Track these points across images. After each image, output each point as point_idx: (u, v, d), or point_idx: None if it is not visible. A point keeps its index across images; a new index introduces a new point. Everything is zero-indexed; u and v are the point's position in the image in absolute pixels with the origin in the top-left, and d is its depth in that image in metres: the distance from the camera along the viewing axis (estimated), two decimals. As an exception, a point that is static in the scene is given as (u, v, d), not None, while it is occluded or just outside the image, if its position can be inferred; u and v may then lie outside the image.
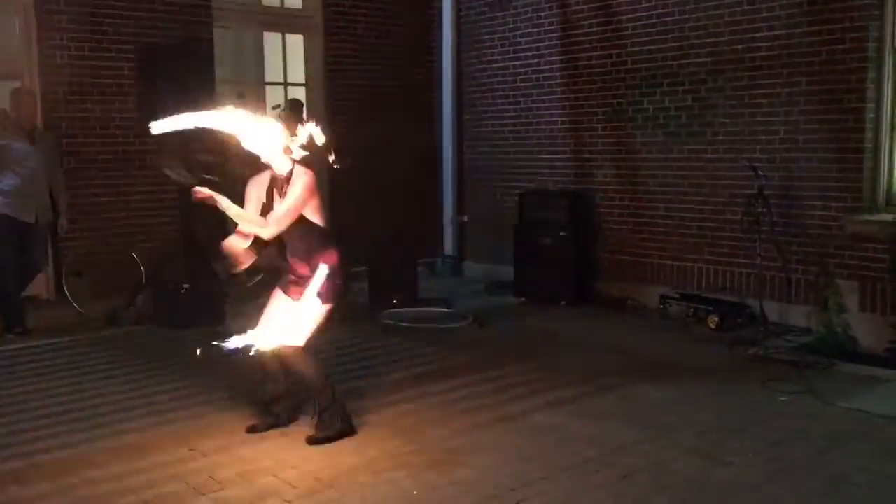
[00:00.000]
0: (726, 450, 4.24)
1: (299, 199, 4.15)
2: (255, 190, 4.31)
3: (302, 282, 4.28)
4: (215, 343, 3.89)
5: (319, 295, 4.20)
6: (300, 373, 4.35)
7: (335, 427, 4.34)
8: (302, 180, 4.16)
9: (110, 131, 7.29)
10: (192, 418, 4.75)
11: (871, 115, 6.16)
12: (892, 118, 6.19)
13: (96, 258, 7.23)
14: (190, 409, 4.90)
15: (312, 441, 4.31)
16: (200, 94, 7.15)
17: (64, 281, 7.05)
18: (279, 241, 4.43)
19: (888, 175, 6.24)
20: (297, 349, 4.26)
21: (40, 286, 7.11)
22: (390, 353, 6.15)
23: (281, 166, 4.19)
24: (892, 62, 6.13)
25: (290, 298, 4.34)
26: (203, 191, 4.08)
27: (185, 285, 6.94)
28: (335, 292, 4.31)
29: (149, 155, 7.44)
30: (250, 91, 8.74)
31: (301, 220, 4.21)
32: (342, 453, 4.21)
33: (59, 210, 6.75)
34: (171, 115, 7.40)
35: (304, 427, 4.48)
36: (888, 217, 6.06)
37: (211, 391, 5.20)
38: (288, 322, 4.21)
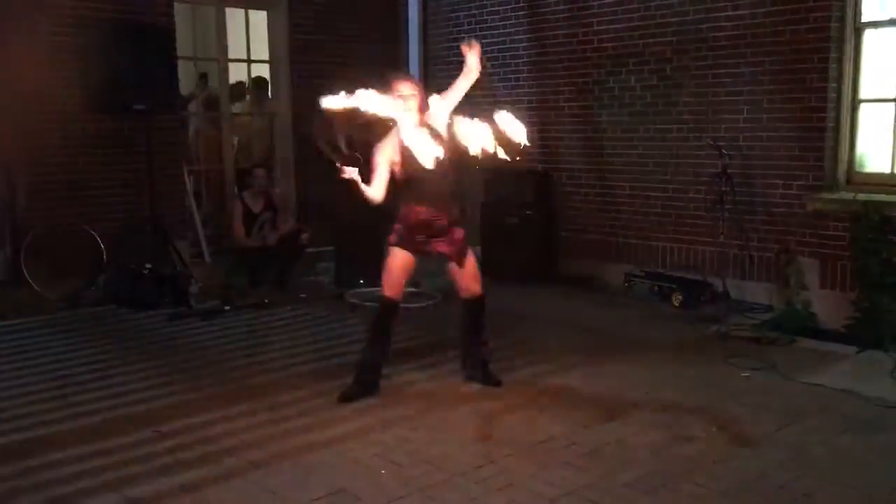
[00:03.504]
0: (690, 425, 4.29)
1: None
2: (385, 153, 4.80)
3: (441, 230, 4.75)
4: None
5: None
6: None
7: (359, 386, 4.63)
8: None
9: (69, 108, 7.13)
10: (156, 399, 4.69)
11: (833, 95, 6.22)
12: (854, 97, 6.26)
13: (55, 238, 7.09)
14: (153, 390, 4.84)
15: (342, 398, 4.58)
16: (160, 71, 7.05)
17: (22, 261, 6.91)
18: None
19: (849, 154, 6.32)
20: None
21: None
22: (356, 333, 6.11)
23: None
24: (853, 42, 6.20)
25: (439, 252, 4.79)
26: (350, 171, 4.51)
27: (147, 265, 6.86)
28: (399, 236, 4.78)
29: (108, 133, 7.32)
30: (213, 68, 8.62)
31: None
32: (307, 432, 4.19)
33: (15, 189, 6.60)
34: (130, 92, 7.21)
35: (261, 410, 4.46)
36: (848, 195, 6.13)
37: (174, 372, 5.16)
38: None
